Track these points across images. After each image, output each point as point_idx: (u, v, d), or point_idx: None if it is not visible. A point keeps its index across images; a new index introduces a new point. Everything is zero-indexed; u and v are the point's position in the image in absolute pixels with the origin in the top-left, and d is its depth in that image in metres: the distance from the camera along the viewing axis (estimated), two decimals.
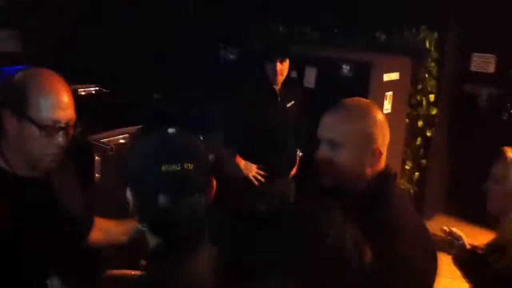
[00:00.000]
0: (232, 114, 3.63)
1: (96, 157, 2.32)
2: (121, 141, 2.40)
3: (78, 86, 3.35)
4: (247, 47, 5.14)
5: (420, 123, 5.16)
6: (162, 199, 1.35)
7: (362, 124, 1.70)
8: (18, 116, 1.66)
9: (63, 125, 1.70)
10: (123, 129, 2.42)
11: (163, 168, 1.36)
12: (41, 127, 1.65)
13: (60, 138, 1.70)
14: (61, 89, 1.71)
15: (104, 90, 3.40)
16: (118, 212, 2.44)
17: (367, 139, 1.69)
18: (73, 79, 3.57)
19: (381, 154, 1.71)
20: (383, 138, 1.73)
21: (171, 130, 1.45)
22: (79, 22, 5.66)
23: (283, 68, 3.71)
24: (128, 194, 1.41)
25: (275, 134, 3.80)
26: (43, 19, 5.70)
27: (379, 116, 1.74)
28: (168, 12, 6.07)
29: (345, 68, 4.56)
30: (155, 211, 1.36)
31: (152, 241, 1.42)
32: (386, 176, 1.74)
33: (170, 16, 6.06)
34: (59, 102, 1.68)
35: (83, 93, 3.33)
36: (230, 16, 5.91)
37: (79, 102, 3.24)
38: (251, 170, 3.76)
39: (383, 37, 5.16)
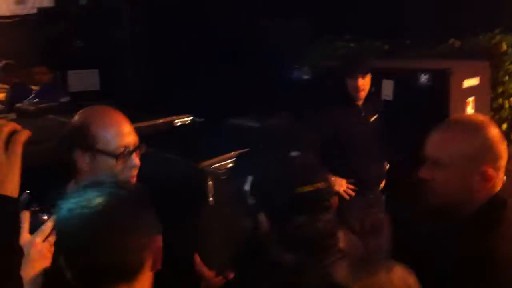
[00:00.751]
0: (321, 132, 3.67)
1: (209, 182, 2.44)
2: (230, 165, 2.50)
3: (174, 117, 3.52)
4: (322, 66, 5.20)
5: (504, 126, 5.06)
6: (299, 219, 1.43)
7: (469, 145, 1.58)
8: (90, 152, 1.80)
9: (132, 148, 1.83)
10: (230, 154, 2.53)
11: (298, 190, 1.44)
12: (116, 155, 1.79)
13: (133, 160, 1.83)
14: (121, 119, 1.85)
15: (197, 119, 3.55)
16: (230, 233, 2.56)
17: (474, 161, 1.57)
18: (168, 111, 3.78)
19: (492, 177, 1.58)
20: (496, 159, 1.60)
21: (294, 153, 1.52)
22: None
23: (365, 83, 3.69)
24: (261, 217, 1.49)
25: (362, 148, 3.82)
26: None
27: (492, 135, 1.60)
28: (237, 38, 6.25)
29: (423, 78, 4.54)
30: (293, 230, 1.44)
31: (282, 257, 1.48)
32: (498, 202, 1.60)
33: (240, 42, 6.23)
34: (123, 129, 1.82)
35: (178, 124, 3.49)
36: (298, 35, 6.02)
37: (178, 131, 3.44)
38: (342, 185, 3.79)
39: (457, 43, 5.13)
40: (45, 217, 1.47)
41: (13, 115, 4.55)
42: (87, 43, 6.89)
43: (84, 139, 1.81)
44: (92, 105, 1.95)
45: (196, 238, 2.57)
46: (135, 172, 1.85)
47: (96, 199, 1.21)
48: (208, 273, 1.81)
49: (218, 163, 2.51)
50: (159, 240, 1.30)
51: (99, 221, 1.19)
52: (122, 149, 1.80)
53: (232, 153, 2.56)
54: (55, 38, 6.95)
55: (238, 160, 1.94)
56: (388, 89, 4.75)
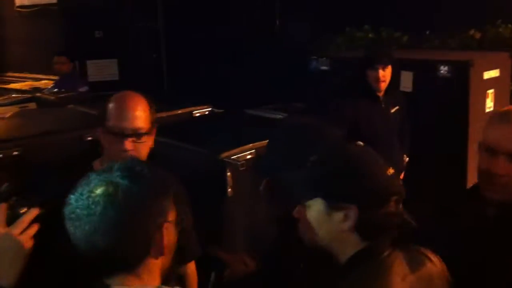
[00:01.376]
0: (345, 125, 3.66)
1: (228, 173, 2.45)
2: (249, 156, 2.51)
3: (192, 108, 3.53)
4: (341, 57, 5.18)
5: None
6: (390, 207, 1.42)
7: None
8: (103, 128, 1.95)
9: (127, 133, 1.91)
10: (250, 145, 2.53)
11: (388, 173, 1.43)
12: (113, 133, 1.91)
13: (125, 145, 1.90)
14: (133, 104, 1.95)
15: (216, 110, 3.56)
16: (251, 225, 2.58)
17: None
18: (186, 102, 3.79)
19: None
20: None
21: (358, 143, 1.53)
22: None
23: (385, 74, 3.70)
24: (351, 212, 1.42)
25: (381, 140, 3.80)
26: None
27: None
28: (255, 29, 6.24)
29: (443, 69, 4.51)
30: (383, 217, 1.42)
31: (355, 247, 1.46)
32: None
33: (258, 33, 6.22)
34: (126, 113, 1.93)
35: (197, 114, 3.50)
36: (317, 26, 6.00)
37: (196, 122, 3.45)
38: None
39: (477, 34, 5.07)
40: (23, 210, 1.48)
41: (33, 105, 4.59)
42: (107, 33, 6.94)
43: (102, 117, 1.97)
44: (111, 95, 2.03)
45: (215, 230, 2.59)
46: (125, 156, 1.88)
47: (100, 186, 1.21)
48: (229, 258, 1.82)
49: (237, 154, 2.51)
50: (168, 228, 1.26)
51: (102, 207, 1.18)
52: (117, 130, 1.91)
53: (251, 144, 2.57)
54: (75, 28, 7.00)
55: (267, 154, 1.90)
56: (407, 80, 4.73)
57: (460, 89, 4.39)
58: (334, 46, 5.85)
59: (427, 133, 4.31)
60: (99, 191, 1.20)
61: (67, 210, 1.23)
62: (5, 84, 7.40)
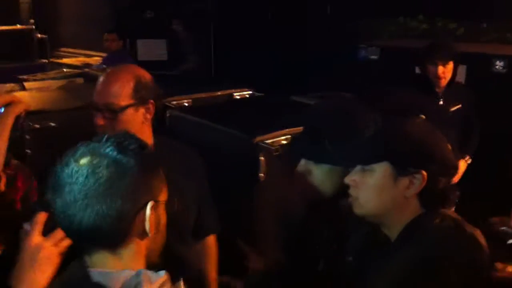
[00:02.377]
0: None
1: (261, 158, 2.40)
2: (284, 142, 2.45)
3: (233, 90, 3.49)
4: (392, 47, 5.03)
5: None
6: (451, 179, 1.51)
7: None
8: None
9: (98, 107, 1.84)
10: (286, 130, 2.47)
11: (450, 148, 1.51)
12: (87, 107, 1.87)
13: (96, 119, 1.85)
14: (111, 78, 1.88)
15: (257, 93, 3.50)
16: (279, 211, 2.51)
17: None
18: (228, 84, 3.75)
19: None
20: None
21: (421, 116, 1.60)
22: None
23: (445, 70, 3.52)
24: (418, 178, 1.44)
25: None
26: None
27: None
28: (304, 14, 6.13)
29: (498, 64, 4.31)
30: (444, 187, 1.47)
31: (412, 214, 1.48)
32: None
33: (308, 19, 6.11)
34: (101, 86, 1.87)
35: (238, 97, 3.45)
36: (368, 14, 5.84)
37: (235, 105, 3.40)
38: None
39: None
40: None
41: (81, 79, 4.65)
42: (157, 13, 6.96)
43: None
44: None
45: (246, 214, 2.55)
46: (99, 131, 1.83)
47: (85, 156, 1.14)
48: (251, 254, 1.76)
49: (272, 138, 2.45)
50: (156, 208, 1.18)
51: (84, 176, 1.11)
52: (91, 104, 1.86)
53: (287, 129, 2.50)
54: (126, 7, 7.06)
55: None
56: (460, 74, 4.54)
57: None
58: (385, 34, 5.68)
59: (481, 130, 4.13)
60: (83, 160, 1.14)
61: (51, 180, 1.16)
62: (59, 59, 7.56)
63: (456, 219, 1.48)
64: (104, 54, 6.52)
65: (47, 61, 7.03)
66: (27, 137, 2.59)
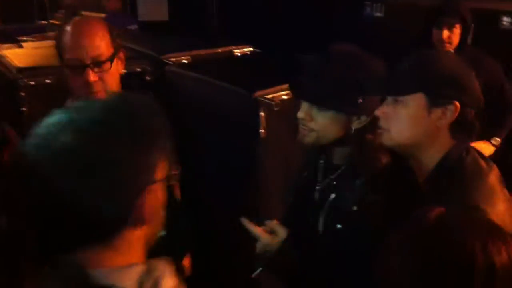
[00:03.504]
0: None
1: (261, 113, 2.34)
2: (284, 97, 2.39)
3: (233, 47, 3.41)
4: (397, 2, 4.90)
5: None
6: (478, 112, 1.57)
7: None
8: (63, 63, 1.80)
9: (87, 63, 1.75)
10: (285, 85, 2.40)
11: None
12: (68, 67, 1.76)
13: (87, 76, 1.75)
14: (87, 30, 1.79)
15: (257, 50, 3.42)
16: (283, 167, 2.48)
17: None
18: (228, 41, 3.67)
19: None
20: None
21: None
22: None
23: (452, 35, 3.26)
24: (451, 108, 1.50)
25: None
26: None
27: None
28: None
29: (506, 21, 4.20)
30: (474, 119, 1.55)
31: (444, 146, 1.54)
32: None
33: None
34: (81, 41, 1.76)
35: (238, 54, 3.38)
36: None
37: (235, 62, 3.33)
38: None
39: None
40: None
41: None
42: None
43: (58, 49, 1.82)
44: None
45: (248, 171, 2.51)
46: (90, 90, 1.77)
47: (62, 133, 0.92)
48: (259, 231, 1.72)
49: (273, 93, 2.39)
50: (155, 190, 0.98)
51: (63, 159, 0.90)
52: (73, 62, 1.76)
53: (287, 84, 2.43)
54: None
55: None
56: None
57: None
58: None
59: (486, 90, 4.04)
60: (57, 139, 0.92)
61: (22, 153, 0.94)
62: (58, 21, 7.45)
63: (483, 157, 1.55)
64: (103, 15, 6.41)
65: (46, 22, 6.92)
66: (22, 94, 2.54)
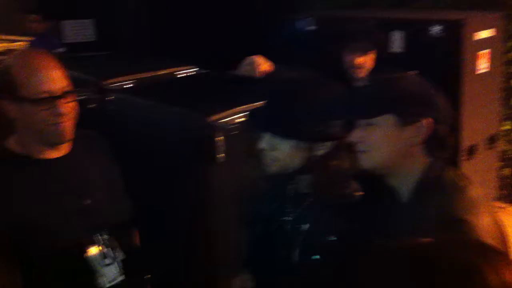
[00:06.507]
0: None
1: (218, 138, 2.28)
2: (240, 120, 2.34)
3: (176, 68, 3.33)
4: (329, 17, 4.98)
5: None
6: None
7: None
8: (15, 100, 1.73)
9: (58, 94, 1.74)
10: (241, 108, 2.36)
11: None
12: (36, 102, 1.71)
13: (59, 108, 1.74)
14: (48, 63, 1.77)
15: (202, 71, 3.36)
16: (241, 192, 2.42)
17: None
18: (170, 62, 3.57)
19: None
20: None
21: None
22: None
23: (364, 61, 3.18)
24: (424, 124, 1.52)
25: None
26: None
27: None
28: None
29: (435, 29, 4.35)
30: (447, 133, 1.57)
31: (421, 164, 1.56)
32: None
33: None
34: (47, 74, 1.73)
35: (183, 75, 3.30)
36: None
37: (182, 83, 3.24)
38: None
39: None
40: None
41: None
42: None
43: (9, 86, 1.73)
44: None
45: (204, 197, 2.44)
46: (62, 120, 1.76)
47: None
48: None
49: (228, 117, 2.34)
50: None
51: None
52: (44, 95, 1.72)
53: (244, 106, 2.39)
54: None
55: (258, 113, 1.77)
56: (397, 41, 4.57)
57: (452, 50, 4.25)
58: (318, 5, 5.64)
59: None
60: None
61: None
62: None
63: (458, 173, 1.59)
64: (28, 38, 6.13)
65: None
66: None
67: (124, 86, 3.05)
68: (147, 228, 2.06)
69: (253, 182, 2.30)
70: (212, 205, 2.44)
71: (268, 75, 2.94)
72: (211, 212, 2.45)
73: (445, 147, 1.58)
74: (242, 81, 2.96)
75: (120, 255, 1.90)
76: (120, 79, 3.09)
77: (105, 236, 1.86)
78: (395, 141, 1.53)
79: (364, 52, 3.17)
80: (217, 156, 2.30)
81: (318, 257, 1.65)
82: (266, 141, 1.68)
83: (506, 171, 5.06)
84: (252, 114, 1.78)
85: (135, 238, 2.03)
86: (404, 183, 1.57)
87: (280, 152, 1.66)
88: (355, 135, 1.58)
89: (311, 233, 1.69)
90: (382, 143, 1.54)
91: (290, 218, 1.78)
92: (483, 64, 4.44)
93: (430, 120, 1.51)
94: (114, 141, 2.36)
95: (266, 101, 1.69)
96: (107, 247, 1.86)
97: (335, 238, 1.63)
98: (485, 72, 4.42)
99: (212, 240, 2.47)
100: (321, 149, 1.66)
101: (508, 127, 4.96)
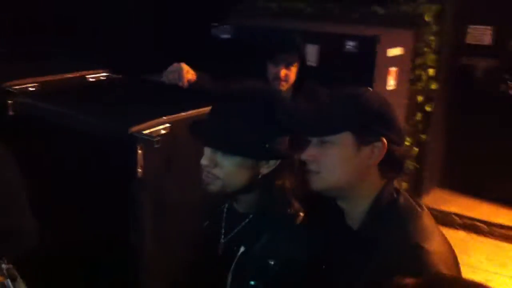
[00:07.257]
0: None
1: (139, 151, 2.09)
2: (163, 132, 2.16)
3: (85, 72, 3.07)
4: (243, 25, 4.90)
5: (419, 98, 5.07)
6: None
7: None
8: None
9: None
10: (163, 119, 2.18)
11: None
12: None
13: None
14: None
15: (114, 75, 3.12)
16: (163, 208, 2.24)
17: None
18: (80, 66, 3.29)
19: None
20: None
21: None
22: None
23: (289, 73, 3.11)
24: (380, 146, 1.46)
25: None
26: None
27: None
28: None
29: (350, 44, 4.39)
30: (402, 155, 1.51)
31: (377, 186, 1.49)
32: None
33: None
34: None
35: (93, 80, 3.05)
36: None
37: (95, 90, 2.98)
38: None
39: (380, 10, 5.02)
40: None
41: None
42: None
43: None
44: None
45: (124, 215, 2.24)
46: None
47: None
48: None
49: (150, 128, 2.15)
50: None
51: None
52: None
53: (166, 117, 2.21)
54: None
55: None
56: (313, 54, 4.56)
57: (365, 65, 4.32)
58: (234, 14, 5.54)
59: None
60: None
61: None
62: None
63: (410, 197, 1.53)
64: None
65: None
66: None
67: (29, 89, 2.76)
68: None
69: (180, 198, 2.14)
70: (134, 222, 2.24)
71: (192, 84, 2.79)
72: (132, 229, 2.25)
73: (400, 169, 1.52)
74: (166, 89, 2.78)
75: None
76: (22, 81, 2.78)
77: (4, 266, 1.62)
78: (350, 162, 1.45)
79: (290, 64, 3.11)
80: (138, 170, 2.10)
81: (254, 283, 1.53)
82: (207, 157, 1.54)
83: (405, 186, 5.21)
84: (194, 126, 1.62)
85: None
86: (357, 206, 1.49)
87: (221, 169, 1.53)
88: (307, 154, 1.48)
89: (248, 256, 1.56)
90: (337, 164, 1.45)
91: (223, 240, 1.65)
92: (391, 81, 4.55)
93: (386, 140, 1.45)
94: (16, 151, 2.10)
95: (209, 112, 1.55)
96: (6, 278, 1.61)
97: (273, 262, 1.51)
98: (392, 90, 4.53)
99: (134, 260, 2.27)
100: (267, 167, 1.54)
101: (407, 143, 5.10)
